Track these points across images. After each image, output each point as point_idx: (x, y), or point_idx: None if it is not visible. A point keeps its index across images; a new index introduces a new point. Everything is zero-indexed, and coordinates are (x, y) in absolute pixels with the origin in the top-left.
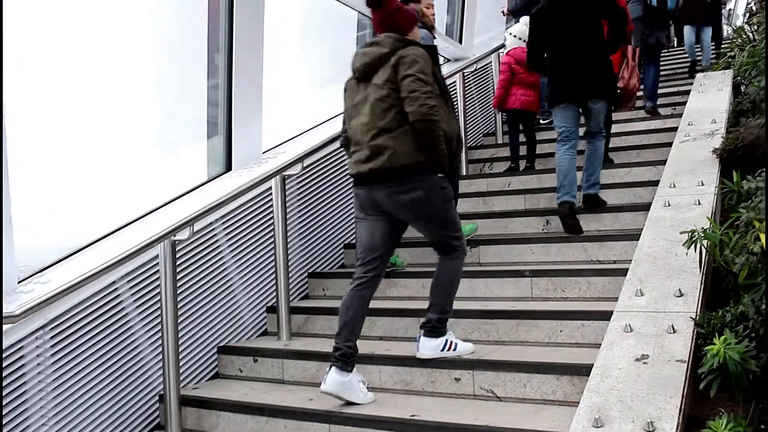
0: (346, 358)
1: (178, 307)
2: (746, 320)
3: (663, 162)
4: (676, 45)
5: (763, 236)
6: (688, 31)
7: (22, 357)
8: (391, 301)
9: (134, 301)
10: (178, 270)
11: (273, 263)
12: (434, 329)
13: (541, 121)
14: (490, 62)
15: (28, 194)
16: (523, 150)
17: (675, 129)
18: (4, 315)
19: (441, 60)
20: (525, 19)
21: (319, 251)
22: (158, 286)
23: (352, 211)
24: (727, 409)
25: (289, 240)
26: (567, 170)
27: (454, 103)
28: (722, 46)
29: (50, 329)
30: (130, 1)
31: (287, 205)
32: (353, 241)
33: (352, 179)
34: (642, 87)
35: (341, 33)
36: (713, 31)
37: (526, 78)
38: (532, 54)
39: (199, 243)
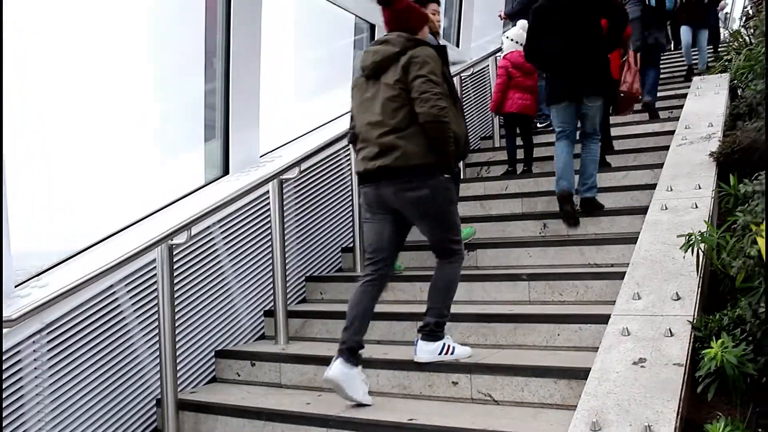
0: (352, 351)
1: (176, 310)
2: (743, 324)
3: (660, 165)
4: (673, 48)
5: (760, 239)
6: (685, 31)
7: (19, 361)
8: (388, 305)
9: (132, 305)
10: (175, 274)
11: (270, 267)
12: (432, 333)
13: (538, 125)
14: (488, 66)
15: (27, 194)
16: (520, 153)
17: (672, 132)
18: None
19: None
20: (522, 23)
21: (317, 255)
22: (156, 289)
23: (350, 215)
24: (725, 412)
25: (286, 244)
26: (565, 162)
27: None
28: (719, 49)
29: (47, 333)
30: (129, 4)
31: (284, 208)
32: (351, 245)
33: (358, 177)
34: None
35: (338, 37)
36: (710, 34)
37: (523, 82)
38: (531, 52)
39: (196, 247)
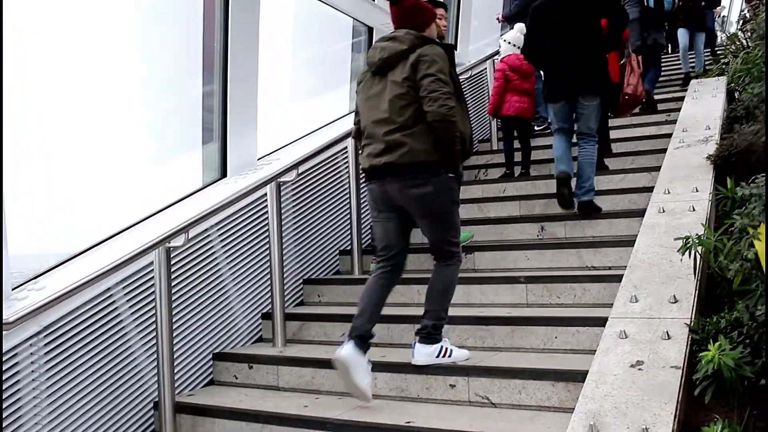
0: (363, 339)
1: (173, 313)
2: (741, 326)
3: (657, 168)
4: (670, 51)
5: (757, 242)
6: (682, 34)
7: (16, 364)
8: (386, 308)
9: (129, 307)
10: (173, 276)
11: (268, 270)
12: (429, 336)
13: (536, 128)
14: (485, 69)
15: (27, 194)
16: (517, 156)
17: (669, 135)
18: None
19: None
20: (519, 26)
21: (315, 258)
22: (153, 292)
23: (347, 217)
24: (722, 415)
25: (284, 246)
26: (563, 150)
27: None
28: (717, 52)
29: (44, 336)
30: (129, 5)
31: (282, 211)
32: (348, 248)
33: (363, 174)
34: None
35: (336, 39)
36: (706, 37)
37: (521, 85)
38: (531, 51)
39: (194, 249)
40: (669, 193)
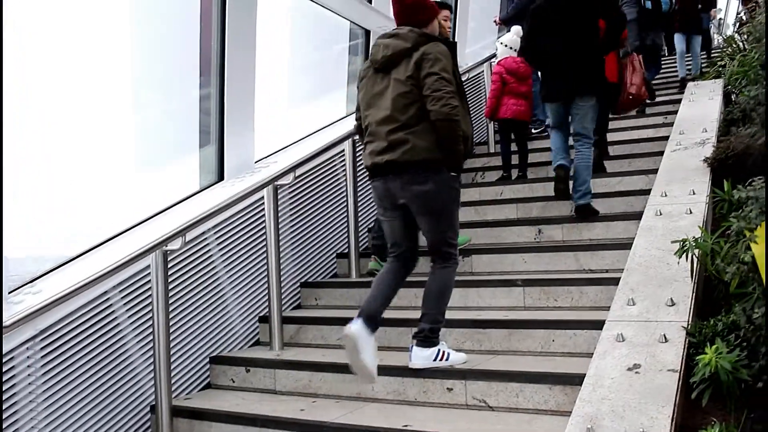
0: (371, 318)
1: (170, 316)
2: (738, 329)
3: (654, 171)
4: (667, 54)
5: (754, 245)
6: (679, 39)
7: (12, 368)
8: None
9: (126, 311)
10: (170, 280)
11: (265, 273)
12: (427, 339)
13: (533, 131)
14: (482, 71)
15: (27, 194)
16: (515, 159)
17: (666, 138)
18: None
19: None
20: (516, 29)
21: (312, 261)
22: (150, 296)
23: (345, 220)
24: (719, 418)
25: (281, 249)
26: (560, 144)
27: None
28: (713, 55)
29: (41, 340)
30: (129, 7)
31: (279, 214)
32: (345, 251)
33: (367, 171)
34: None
35: (333, 42)
36: (703, 40)
37: (517, 88)
38: (529, 51)
39: (191, 253)
40: (666, 195)
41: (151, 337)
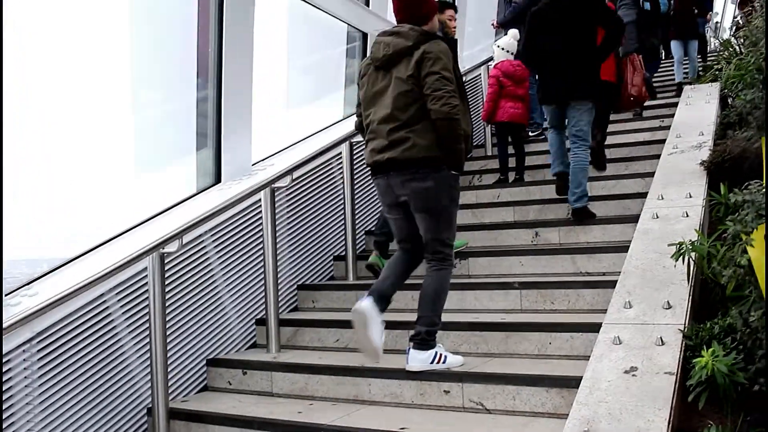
0: (382, 297)
1: (167, 319)
2: (734, 332)
3: (651, 174)
4: (664, 57)
5: (750, 249)
6: (676, 46)
7: (9, 370)
8: None
9: (123, 313)
10: (167, 282)
11: (262, 275)
12: (423, 342)
13: (530, 134)
14: (479, 75)
15: (27, 194)
16: (512, 162)
17: (663, 141)
18: None
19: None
20: (513, 32)
21: (309, 263)
22: (147, 298)
23: (342, 223)
24: (716, 421)
25: (278, 252)
26: (558, 145)
27: None
28: (709, 58)
29: (37, 342)
30: (128, 9)
31: (276, 217)
32: (343, 253)
33: (369, 168)
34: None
35: (331, 45)
36: (699, 44)
37: (514, 91)
38: (529, 51)
39: (188, 255)
40: (663, 198)
41: (148, 340)
